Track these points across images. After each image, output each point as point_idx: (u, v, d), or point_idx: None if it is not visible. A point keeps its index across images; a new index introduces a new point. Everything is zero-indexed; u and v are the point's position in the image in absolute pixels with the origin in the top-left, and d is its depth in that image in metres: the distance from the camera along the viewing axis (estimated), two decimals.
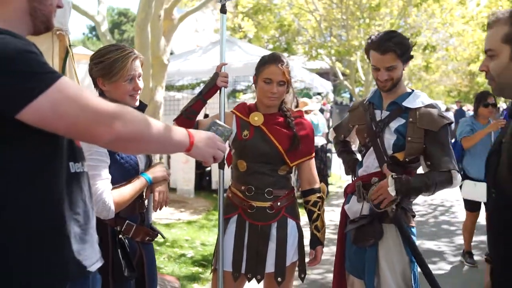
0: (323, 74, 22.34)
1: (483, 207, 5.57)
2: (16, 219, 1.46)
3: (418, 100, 3.00)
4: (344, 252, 3.19)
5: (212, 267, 3.14)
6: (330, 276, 5.22)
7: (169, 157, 10.09)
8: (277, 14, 19.34)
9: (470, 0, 20.11)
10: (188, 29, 22.77)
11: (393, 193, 2.86)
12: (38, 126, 1.42)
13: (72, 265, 1.56)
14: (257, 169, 2.99)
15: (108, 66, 2.45)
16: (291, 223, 3.05)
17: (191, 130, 1.79)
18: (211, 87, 2.96)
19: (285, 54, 20.40)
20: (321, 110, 11.63)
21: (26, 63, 1.39)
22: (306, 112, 9.51)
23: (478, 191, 5.51)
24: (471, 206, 5.90)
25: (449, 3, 18.71)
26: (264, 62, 3.01)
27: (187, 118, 2.96)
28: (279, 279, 2.98)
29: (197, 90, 11.04)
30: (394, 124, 2.99)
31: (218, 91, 3.01)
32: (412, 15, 19.75)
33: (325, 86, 14.08)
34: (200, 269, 5.53)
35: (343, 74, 22.79)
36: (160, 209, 2.65)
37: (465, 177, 5.68)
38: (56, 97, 1.39)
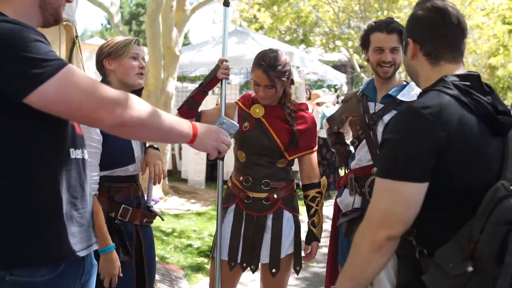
0: (340, 66, 22.22)
1: None
2: (15, 199, 1.55)
3: (413, 93, 2.97)
4: (337, 245, 3.19)
5: (211, 255, 3.17)
6: None
7: (180, 148, 10.14)
8: (295, 5, 19.23)
9: None
10: (205, 20, 22.79)
11: None
12: (43, 109, 1.52)
13: (67, 246, 1.63)
14: (255, 161, 3.01)
15: (114, 46, 2.65)
16: (287, 215, 3.05)
17: (195, 122, 1.83)
18: (212, 78, 2.97)
19: (302, 46, 20.35)
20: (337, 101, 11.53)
21: (35, 50, 1.48)
22: (318, 104, 9.46)
23: None
24: None
25: None
26: (253, 63, 2.96)
27: (188, 108, 3.02)
28: (273, 270, 3.00)
29: None
30: (388, 117, 2.96)
31: (220, 83, 3.03)
32: None
33: (339, 78, 13.98)
34: (205, 260, 5.57)
35: (361, 66, 22.62)
36: (159, 182, 2.75)
37: None
38: (62, 82, 1.50)
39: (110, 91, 1.59)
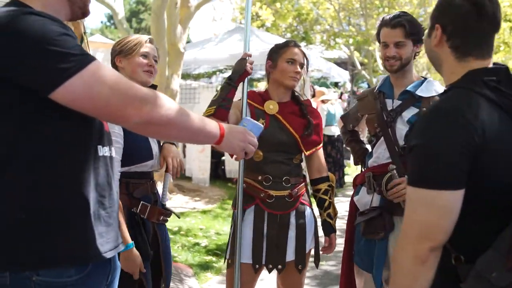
0: (340, 63, 22.18)
1: None
2: (44, 196, 1.51)
3: (431, 88, 2.94)
4: (352, 244, 3.14)
5: (227, 260, 3.06)
6: None
7: (184, 146, 10.10)
8: (296, 2, 19.20)
9: None
10: (205, 18, 22.74)
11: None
12: (70, 106, 1.47)
13: (95, 247, 1.59)
14: (274, 158, 2.96)
15: (126, 44, 2.67)
16: (307, 210, 3.06)
17: (222, 123, 1.79)
18: (242, 73, 2.86)
19: (303, 43, 20.32)
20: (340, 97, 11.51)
21: (62, 44, 1.44)
22: (323, 101, 9.42)
23: None
24: None
25: None
26: (284, 45, 3.05)
27: (225, 109, 2.84)
28: (299, 266, 2.99)
29: (214, 79, 11.01)
30: (407, 114, 2.93)
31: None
32: (432, 4, 19.49)
33: (343, 75, 13.94)
34: (213, 258, 5.54)
35: (361, 64, 22.59)
36: (177, 175, 2.74)
37: None
38: (89, 78, 1.45)
39: (138, 88, 1.55)
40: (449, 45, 1.68)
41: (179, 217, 3.09)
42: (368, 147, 3.24)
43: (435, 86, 2.95)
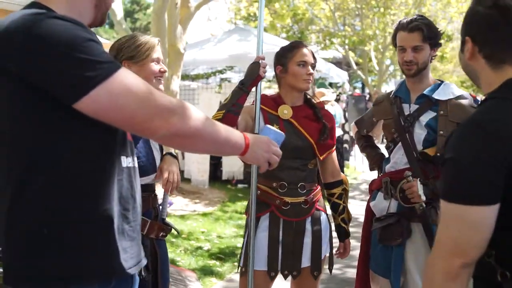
0: (335, 63, 22.18)
1: None
2: (67, 211, 1.44)
3: (448, 91, 2.90)
4: (368, 250, 3.10)
5: (241, 268, 3.00)
6: (350, 271, 5.15)
7: None
8: (291, 2, 19.17)
9: None
10: (200, 18, 22.65)
11: (423, 197, 2.78)
12: (94, 116, 1.40)
13: (118, 262, 1.53)
14: (289, 164, 2.89)
15: (137, 48, 2.45)
16: (323, 216, 3.02)
17: (246, 133, 1.72)
18: (255, 78, 2.77)
19: None
20: (337, 100, 11.50)
21: (88, 51, 1.37)
22: (324, 102, 9.37)
23: None
24: None
25: None
26: (293, 47, 2.98)
27: (235, 114, 2.76)
28: (315, 273, 2.96)
29: (212, 79, 10.94)
30: (424, 118, 2.89)
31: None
32: (427, 4, 19.52)
33: (341, 76, 13.92)
34: (217, 263, 5.46)
35: (356, 64, 22.60)
36: (171, 191, 2.56)
37: None
38: (115, 87, 1.38)
39: (165, 98, 1.47)
40: (483, 56, 1.61)
41: (179, 233, 2.98)
42: (384, 152, 3.19)
43: (452, 89, 2.91)
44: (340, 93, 14.07)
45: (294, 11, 18.92)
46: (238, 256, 5.61)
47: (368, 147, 3.36)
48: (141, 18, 32.71)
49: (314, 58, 2.99)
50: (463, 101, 2.85)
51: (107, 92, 1.36)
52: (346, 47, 20.87)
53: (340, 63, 23.96)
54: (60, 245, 1.43)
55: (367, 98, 16.60)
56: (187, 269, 5.19)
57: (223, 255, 5.69)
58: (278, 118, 2.93)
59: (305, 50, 2.94)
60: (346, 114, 11.94)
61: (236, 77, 11.23)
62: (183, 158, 10.03)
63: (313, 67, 2.96)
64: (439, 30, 2.91)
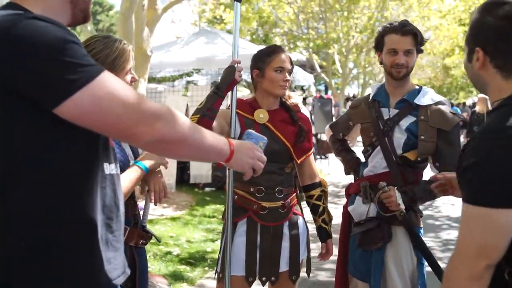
0: (300, 66, 22.28)
1: None
2: (48, 220, 1.37)
3: (428, 96, 2.92)
4: (347, 255, 3.09)
5: (218, 274, 2.98)
6: (320, 274, 5.16)
7: None
8: (255, 5, 19.19)
9: None
10: (164, 20, 22.46)
11: (402, 206, 2.80)
12: (76, 122, 1.33)
13: (102, 273, 1.47)
14: (266, 169, 2.83)
15: (113, 62, 2.24)
16: (300, 220, 3.02)
17: (231, 139, 1.68)
18: (230, 82, 2.75)
19: (263, 46, 20.39)
20: (303, 103, 11.55)
21: (69, 53, 1.30)
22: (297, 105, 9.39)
23: None
24: None
25: None
26: (271, 52, 2.95)
27: (209, 118, 2.72)
28: (293, 277, 2.95)
29: (178, 82, 10.84)
30: (404, 123, 2.90)
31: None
32: (390, 8, 19.83)
33: (307, 79, 14.00)
34: (187, 268, 5.40)
35: (320, 67, 22.77)
36: (159, 201, 2.49)
37: None
38: (99, 91, 1.31)
39: (150, 103, 1.41)
40: (494, 66, 1.64)
41: (159, 241, 2.91)
42: (360, 156, 3.19)
43: (431, 95, 2.94)
44: (306, 96, 14.14)
45: (259, 14, 18.94)
46: (209, 260, 5.64)
47: (343, 151, 3.35)
48: (104, 19, 32.23)
49: (292, 64, 2.97)
50: (443, 107, 2.87)
51: (90, 96, 1.30)
52: (310, 50, 21.02)
53: (304, 66, 24.08)
54: (40, 260, 1.37)
55: (333, 102, 16.74)
56: (157, 275, 5.11)
57: (193, 260, 5.63)
58: (254, 123, 2.91)
59: (283, 56, 2.92)
60: (312, 117, 12.00)
61: (203, 80, 11.17)
62: None
63: (290, 73, 2.94)
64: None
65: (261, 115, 2.92)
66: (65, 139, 1.38)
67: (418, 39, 2.86)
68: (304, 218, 3.06)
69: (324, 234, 3.06)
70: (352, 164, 3.24)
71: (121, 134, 1.42)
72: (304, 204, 3.15)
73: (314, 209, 3.07)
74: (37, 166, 1.36)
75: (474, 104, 12.40)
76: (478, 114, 9.36)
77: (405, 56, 2.86)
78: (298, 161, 2.97)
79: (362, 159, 3.16)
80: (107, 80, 1.34)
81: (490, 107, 5.31)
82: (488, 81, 1.69)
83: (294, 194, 3.02)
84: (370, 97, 3.09)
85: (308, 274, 3.13)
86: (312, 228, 3.15)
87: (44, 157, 1.36)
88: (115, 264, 1.53)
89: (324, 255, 3.09)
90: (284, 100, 3.05)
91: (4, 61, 1.28)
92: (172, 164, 9.33)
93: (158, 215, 7.73)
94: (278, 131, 2.91)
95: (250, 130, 2.11)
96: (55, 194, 1.38)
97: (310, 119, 11.72)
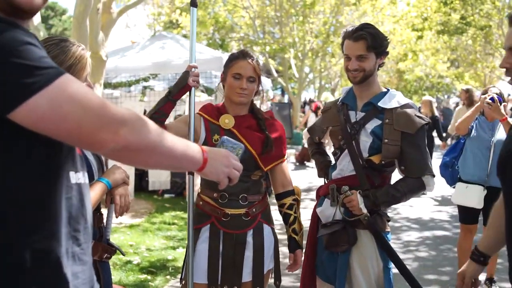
0: None
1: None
2: (5, 235, 1.26)
3: (394, 100, 2.92)
4: (314, 257, 3.07)
5: (182, 281, 2.93)
6: (294, 280, 5.11)
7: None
8: (211, 10, 19.14)
9: (400, 0, 20.69)
10: (119, 25, 22.15)
11: (364, 210, 2.81)
12: (33, 128, 1.22)
13: None
14: None
15: (67, 68, 2.10)
16: (266, 229, 2.93)
17: (204, 147, 1.59)
18: (182, 87, 2.73)
19: (219, 51, 20.35)
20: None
21: (24, 55, 1.19)
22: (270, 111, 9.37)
23: (470, 195, 4.75)
24: (466, 216, 4.98)
25: (381, 2, 19.15)
26: (233, 58, 2.89)
27: (156, 121, 2.64)
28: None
29: (134, 87, 10.65)
30: (370, 126, 2.90)
31: (189, 91, 2.79)
32: (345, 13, 20.10)
33: (265, 83, 13.99)
34: (149, 277, 5.28)
35: (276, 71, 22.88)
36: (121, 214, 2.39)
37: (458, 179, 4.94)
38: (57, 95, 1.21)
39: (114, 108, 1.31)
40: None
41: (124, 255, 2.81)
42: (332, 159, 3.18)
43: (397, 98, 2.93)
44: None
45: (215, 18, 18.89)
46: (170, 269, 5.53)
47: (317, 154, 3.34)
48: (56, 24, 31.53)
49: (256, 72, 2.85)
50: (408, 110, 2.87)
51: (48, 100, 1.20)
52: (267, 55, 21.09)
53: (261, 71, 24.18)
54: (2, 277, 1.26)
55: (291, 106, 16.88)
56: (118, 285, 4.97)
57: (154, 268, 5.51)
58: (220, 128, 2.85)
59: (242, 63, 2.84)
60: None
61: (160, 85, 11.01)
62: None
63: (252, 81, 2.83)
64: (386, 38, 2.92)
65: (227, 120, 2.86)
66: (23, 146, 1.28)
67: (370, 43, 2.82)
68: (272, 228, 2.98)
69: (293, 244, 2.97)
70: (323, 167, 3.24)
71: (83, 141, 1.30)
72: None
73: (285, 218, 2.99)
74: None
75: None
76: (433, 117, 9.46)
77: (358, 61, 2.85)
78: (265, 169, 2.91)
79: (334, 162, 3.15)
80: (66, 83, 1.24)
81: (435, 111, 5.84)
82: None
83: (263, 201, 2.95)
84: (339, 100, 3.08)
85: (277, 286, 3.02)
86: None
87: (1, 168, 1.25)
88: (83, 279, 1.43)
89: (292, 265, 2.99)
90: (256, 108, 2.98)
91: None
92: (130, 171, 9.16)
93: (117, 223, 7.54)
94: (244, 137, 2.83)
95: (226, 137, 2.04)
96: (13, 206, 1.27)
97: None
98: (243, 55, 2.89)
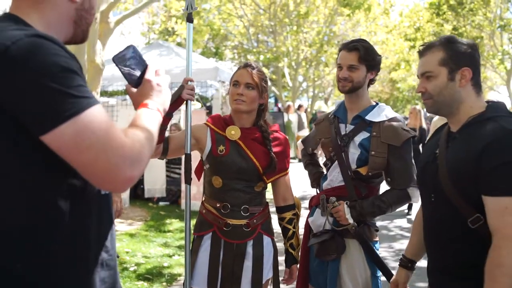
0: None
1: None
2: (44, 245, 1.35)
3: (382, 113, 3.01)
4: (307, 265, 3.16)
5: (183, 286, 2.99)
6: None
7: None
8: (206, 18, 19.24)
9: (393, 10, 20.89)
10: (114, 32, 22.20)
11: (350, 220, 2.91)
12: (56, 153, 1.30)
13: None
14: (233, 186, 2.87)
15: None
16: (266, 239, 2.97)
17: (150, 103, 1.61)
18: (175, 99, 2.74)
19: (214, 59, 20.44)
20: None
21: (63, 82, 1.27)
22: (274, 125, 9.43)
23: None
24: None
25: (374, 13, 19.35)
26: (236, 70, 2.98)
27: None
28: None
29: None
30: (358, 138, 3.00)
31: (185, 104, 2.82)
32: (338, 23, 20.27)
33: None
34: (145, 284, 5.34)
35: (270, 80, 22.97)
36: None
37: None
38: (83, 128, 1.28)
39: (131, 146, 1.35)
40: (472, 83, 2.13)
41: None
42: (325, 170, 3.27)
43: (385, 111, 3.02)
44: None
45: (210, 27, 19.00)
46: (167, 276, 5.59)
47: (310, 165, 3.44)
48: None
49: (254, 80, 2.84)
50: (395, 124, 2.96)
51: (73, 131, 1.26)
52: (260, 63, 21.21)
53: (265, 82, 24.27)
54: (30, 281, 1.34)
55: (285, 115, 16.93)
56: None
57: (151, 275, 5.58)
58: (225, 139, 2.90)
59: (241, 71, 2.90)
60: None
61: None
62: None
63: (252, 88, 2.84)
64: (378, 55, 3.02)
65: (233, 132, 2.89)
66: (61, 162, 1.33)
67: (362, 55, 2.93)
68: (272, 238, 3.01)
69: (290, 260, 3.03)
70: (316, 178, 3.34)
71: (95, 176, 1.33)
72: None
73: (284, 232, 3.05)
74: (32, 187, 1.33)
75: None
76: (420, 129, 8.88)
77: (349, 71, 2.96)
78: (267, 181, 2.95)
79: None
80: (94, 115, 1.30)
81: (423, 122, 6.03)
82: (464, 98, 2.14)
83: (265, 212, 2.98)
84: (331, 113, 3.19)
85: None
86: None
87: (41, 180, 1.34)
88: (110, 284, 1.52)
89: (287, 280, 3.05)
90: (261, 121, 2.97)
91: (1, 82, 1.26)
92: None
93: None
94: (249, 149, 2.88)
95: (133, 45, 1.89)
96: (50, 216, 1.36)
97: None
98: (244, 65, 2.96)
